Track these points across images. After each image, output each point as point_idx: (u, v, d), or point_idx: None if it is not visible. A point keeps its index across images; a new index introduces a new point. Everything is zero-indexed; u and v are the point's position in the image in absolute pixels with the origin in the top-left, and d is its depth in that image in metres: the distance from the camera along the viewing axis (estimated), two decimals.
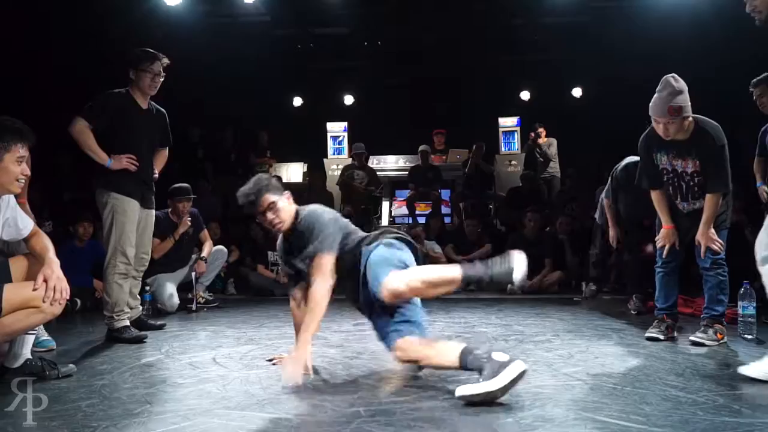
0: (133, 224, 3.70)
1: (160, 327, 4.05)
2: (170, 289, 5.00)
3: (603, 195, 4.95)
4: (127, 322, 3.68)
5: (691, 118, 3.25)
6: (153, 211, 3.95)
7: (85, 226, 5.36)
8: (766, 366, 2.54)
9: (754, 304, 3.50)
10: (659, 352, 3.14)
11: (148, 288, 4.84)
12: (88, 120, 3.57)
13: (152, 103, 3.87)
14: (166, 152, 4.06)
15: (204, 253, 5.21)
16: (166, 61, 3.78)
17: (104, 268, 3.67)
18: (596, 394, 2.35)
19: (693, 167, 3.33)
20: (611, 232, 4.87)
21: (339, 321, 4.35)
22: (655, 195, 3.53)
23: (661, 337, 3.48)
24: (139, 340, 3.57)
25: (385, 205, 9.27)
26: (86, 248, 5.35)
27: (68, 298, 2.48)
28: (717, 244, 3.31)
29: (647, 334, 3.54)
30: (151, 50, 3.77)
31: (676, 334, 3.54)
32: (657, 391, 2.37)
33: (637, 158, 3.72)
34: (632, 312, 4.67)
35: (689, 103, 3.22)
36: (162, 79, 3.78)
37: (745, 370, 2.58)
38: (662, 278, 3.56)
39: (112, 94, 3.71)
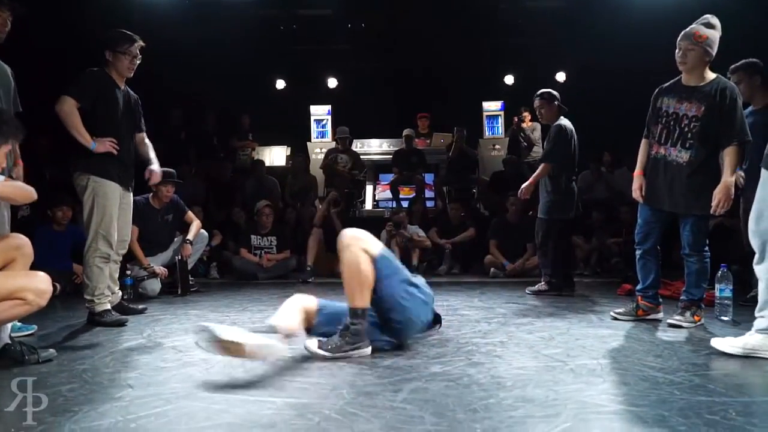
0: (114, 207, 3.67)
1: (142, 311, 4.03)
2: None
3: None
4: (108, 306, 3.66)
5: (710, 72, 3.30)
6: (131, 195, 3.91)
7: (64, 210, 5.28)
8: (738, 342, 2.62)
9: (731, 287, 3.57)
10: (638, 334, 3.20)
11: (128, 272, 4.81)
12: (77, 99, 3.51)
13: (126, 86, 3.82)
14: (145, 138, 3.98)
15: (190, 236, 5.17)
16: (142, 43, 3.72)
17: (85, 251, 3.63)
18: (576, 374, 2.39)
19: (696, 111, 3.30)
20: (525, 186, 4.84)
21: None
22: (643, 144, 3.58)
23: (623, 318, 3.59)
24: (120, 324, 3.56)
25: (369, 189, 9.27)
26: (65, 233, 5.27)
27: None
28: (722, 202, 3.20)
29: (611, 313, 3.68)
30: (128, 32, 3.72)
31: (652, 316, 3.58)
32: (635, 371, 2.42)
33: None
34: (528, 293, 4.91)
35: (716, 47, 3.25)
36: (138, 62, 3.73)
37: (717, 343, 2.67)
38: (639, 260, 3.60)
39: (96, 73, 3.64)
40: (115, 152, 3.61)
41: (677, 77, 3.45)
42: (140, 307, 4.10)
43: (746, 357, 2.59)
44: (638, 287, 3.63)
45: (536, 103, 4.93)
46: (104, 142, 3.57)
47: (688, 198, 3.33)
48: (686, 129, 3.34)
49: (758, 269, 2.62)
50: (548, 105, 4.87)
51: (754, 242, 2.62)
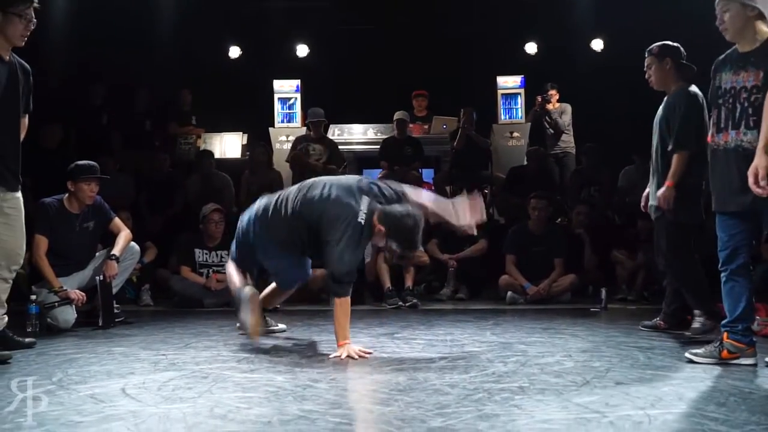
0: None
1: (30, 345, 4.05)
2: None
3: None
4: None
5: (764, 28, 3.39)
6: (18, 194, 3.88)
7: None
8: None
9: None
10: (698, 377, 3.22)
11: (34, 297, 4.77)
12: None
13: (14, 55, 3.79)
14: (26, 121, 3.99)
15: (116, 250, 5.14)
16: (36, 5, 3.71)
17: None
18: (616, 429, 2.40)
19: (754, 80, 3.35)
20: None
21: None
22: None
23: (702, 360, 3.44)
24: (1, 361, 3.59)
25: None
26: None
27: None
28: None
29: (687, 354, 3.55)
30: None
31: (743, 360, 3.41)
32: (692, 424, 2.44)
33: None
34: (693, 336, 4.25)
35: (759, 6, 3.36)
36: (33, 27, 3.72)
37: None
38: (724, 284, 3.47)
39: None
40: None
41: (734, 46, 3.54)
42: (27, 340, 4.10)
43: None
44: (724, 321, 3.49)
45: (646, 61, 4.53)
46: None
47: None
48: (746, 104, 3.38)
49: None
50: (659, 63, 4.46)
51: None
